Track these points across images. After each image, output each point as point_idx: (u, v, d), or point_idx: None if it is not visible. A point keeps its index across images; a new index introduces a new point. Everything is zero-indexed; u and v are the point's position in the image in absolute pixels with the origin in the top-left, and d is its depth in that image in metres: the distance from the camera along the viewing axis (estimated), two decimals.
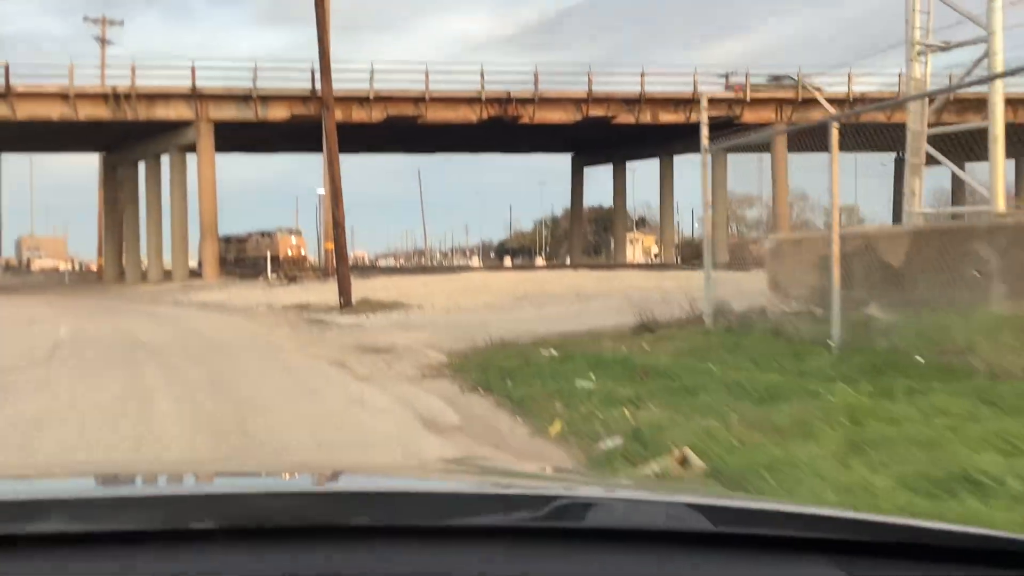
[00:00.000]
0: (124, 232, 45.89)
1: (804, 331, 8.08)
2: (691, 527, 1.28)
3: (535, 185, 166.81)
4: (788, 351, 7.83)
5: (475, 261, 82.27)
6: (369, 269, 48.80)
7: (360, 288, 22.63)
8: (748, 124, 40.91)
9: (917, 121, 17.74)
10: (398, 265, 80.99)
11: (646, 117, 40.13)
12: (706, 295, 10.91)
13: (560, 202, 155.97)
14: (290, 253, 52.97)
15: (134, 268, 44.64)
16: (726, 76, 42.24)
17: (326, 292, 24.71)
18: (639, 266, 36.84)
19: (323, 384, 9.34)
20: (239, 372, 10.39)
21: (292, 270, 39.45)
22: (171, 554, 1.18)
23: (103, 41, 48.61)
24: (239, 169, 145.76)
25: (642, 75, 39.43)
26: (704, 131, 11.91)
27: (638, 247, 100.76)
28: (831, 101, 40.45)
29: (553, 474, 2.63)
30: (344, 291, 19.48)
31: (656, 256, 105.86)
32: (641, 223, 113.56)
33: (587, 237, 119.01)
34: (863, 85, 40.21)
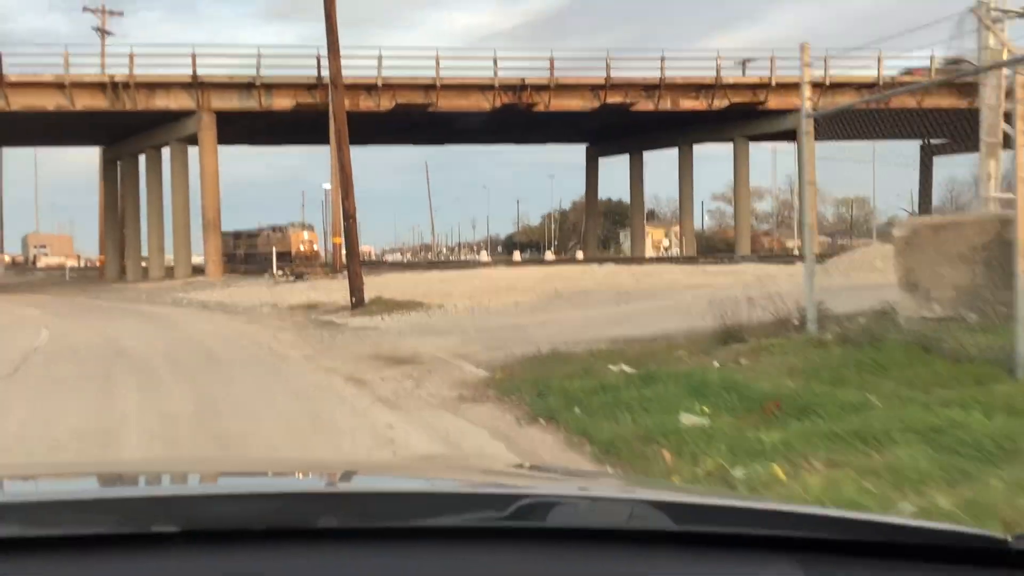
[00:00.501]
0: (125, 228, 43.96)
1: (968, 345, 6.08)
2: (652, 526, 1.27)
3: (542, 180, 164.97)
4: (955, 374, 5.84)
5: (484, 255, 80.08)
6: (378, 264, 46.77)
7: (372, 285, 20.68)
8: (773, 110, 38.88)
9: (992, 96, 15.54)
10: (406, 260, 79.01)
11: (666, 104, 38.08)
12: (807, 294, 8.91)
13: (568, 196, 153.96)
14: (302, 248, 50.87)
15: (135, 265, 42.72)
16: (743, 62, 40.11)
17: (335, 290, 22.75)
18: (665, 259, 34.81)
19: (339, 412, 7.36)
20: (234, 394, 8.43)
21: (303, 266, 37.43)
22: (130, 558, 1.17)
23: (103, 31, 46.61)
24: (243, 165, 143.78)
25: (662, 59, 37.39)
26: (806, 91, 9.85)
27: (648, 240, 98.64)
28: (860, 85, 38.41)
29: (528, 471, 2.41)
30: (356, 289, 17.53)
31: (667, 249, 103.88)
32: (650, 216, 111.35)
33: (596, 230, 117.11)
34: (891, 69, 38.09)
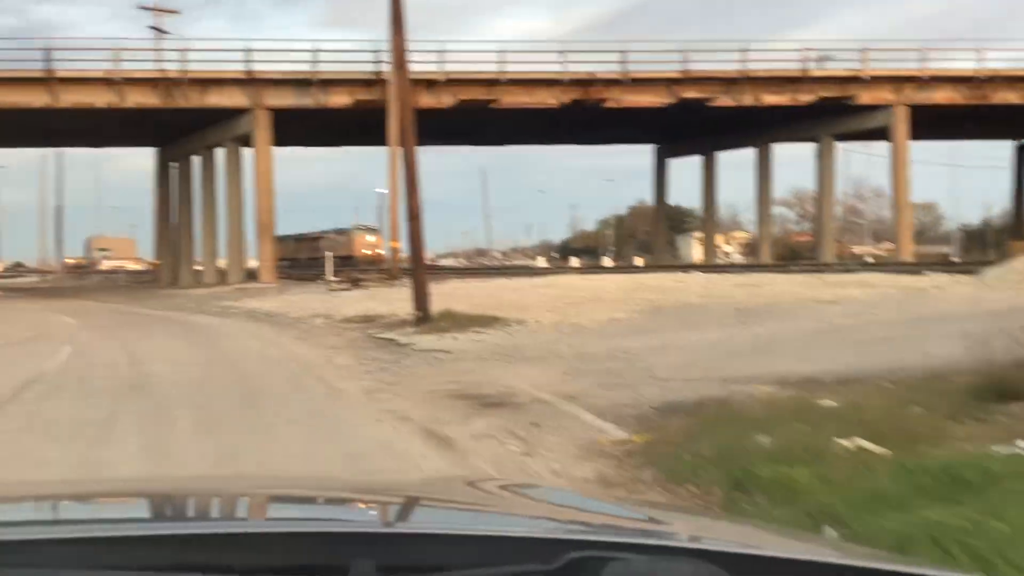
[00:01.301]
0: (179, 232, 42.11)
1: None
2: None
3: (597, 185, 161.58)
4: None
5: (540, 261, 77.33)
6: (436, 270, 44.17)
7: (436, 295, 18.18)
8: (864, 105, 35.65)
9: None
10: (461, 265, 76.40)
11: (747, 99, 35.04)
12: None
13: (624, 202, 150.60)
14: (367, 252, 48.46)
15: (188, 270, 40.81)
16: (820, 59, 36.76)
17: (395, 300, 20.22)
18: (754, 267, 31.66)
19: None
20: (270, 460, 5.86)
21: (367, 271, 35.06)
22: None
23: (158, 29, 44.90)
24: (297, 170, 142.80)
25: (744, 51, 34.40)
26: None
27: (699, 246, 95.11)
28: (958, 79, 35.04)
29: (582, 508, 1.98)
30: (421, 300, 14.96)
31: (727, 255, 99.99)
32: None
33: (650, 236, 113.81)
34: (997, 62, 34.61)
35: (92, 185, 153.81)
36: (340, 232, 53.93)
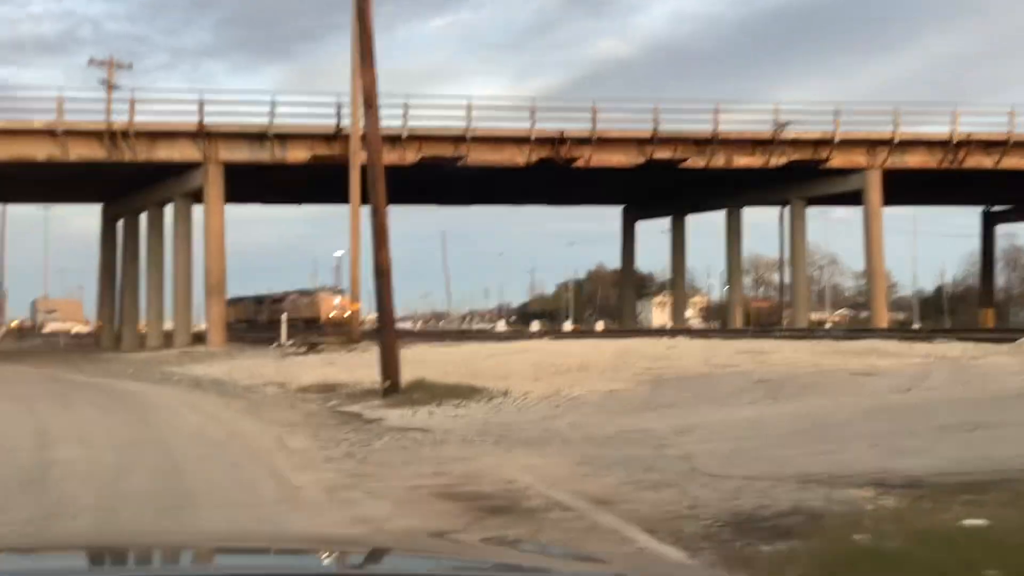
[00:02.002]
0: (124, 293, 39.59)
1: None
2: None
3: (556, 249, 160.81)
4: None
5: (501, 325, 75.34)
6: (399, 333, 41.95)
7: (404, 361, 16.26)
8: (836, 169, 34.72)
9: None
10: (422, 329, 74.03)
11: (719, 160, 33.89)
12: None
13: (584, 265, 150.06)
14: (333, 315, 45.85)
15: (132, 333, 38.22)
16: (779, 125, 35.48)
17: (357, 366, 18.18)
18: (739, 332, 30.03)
19: None
20: None
21: (325, 334, 32.83)
22: None
23: (109, 84, 42.86)
24: (251, 231, 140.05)
25: (716, 112, 33.33)
26: None
27: (666, 311, 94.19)
28: (932, 143, 34.33)
29: (517, 549, 2.27)
30: (389, 368, 12.97)
31: (686, 320, 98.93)
32: (665, 286, 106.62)
33: (609, 301, 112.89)
34: (970, 126, 33.95)
35: (40, 246, 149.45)
36: (304, 293, 51.39)
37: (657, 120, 32.95)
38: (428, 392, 12.56)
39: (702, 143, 33.52)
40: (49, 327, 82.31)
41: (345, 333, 35.74)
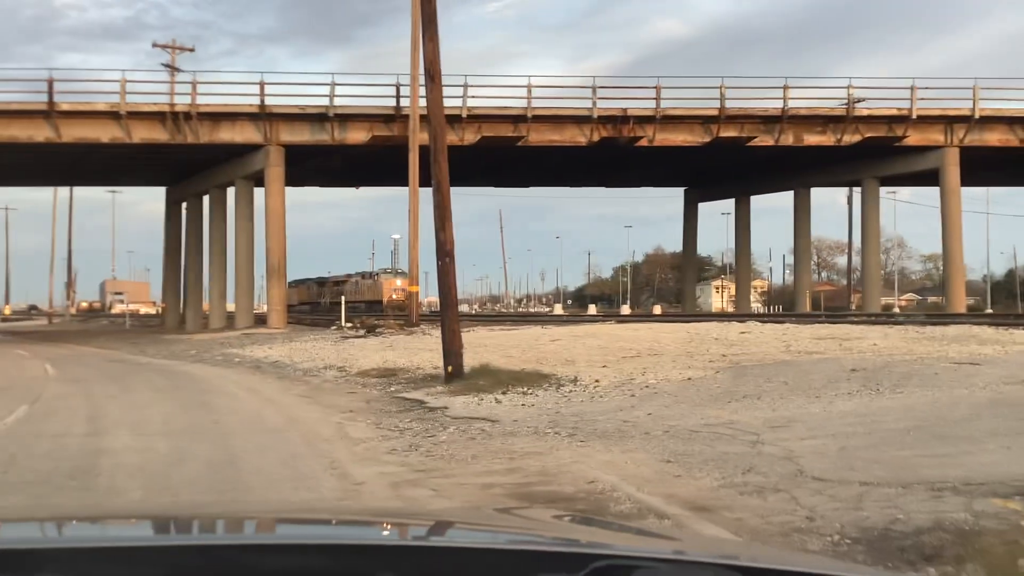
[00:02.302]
0: (187, 274, 39.76)
1: None
2: None
3: (613, 233, 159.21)
4: None
5: (558, 308, 74.48)
6: (466, 316, 40.95)
7: (465, 345, 15.68)
8: (912, 147, 33.20)
9: None
10: (481, 313, 73.52)
11: (787, 138, 32.61)
12: None
13: (641, 248, 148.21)
14: (395, 297, 45.16)
15: (195, 314, 38.36)
16: (851, 102, 33.90)
17: (418, 350, 17.66)
18: (811, 316, 28.75)
19: None
20: None
21: (384, 317, 32.44)
22: None
23: (172, 68, 43.01)
24: (311, 216, 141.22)
25: (785, 88, 32.00)
26: None
27: (724, 295, 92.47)
28: (1013, 120, 32.59)
29: (581, 524, 2.17)
30: (452, 353, 12.35)
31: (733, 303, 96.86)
32: (723, 271, 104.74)
33: (666, 284, 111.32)
34: None
35: (111, 229, 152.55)
36: (366, 276, 50.80)
37: (723, 97, 31.77)
38: (493, 378, 11.91)
39: (770, 121, 32.27)
40: (117, 308, 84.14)
41: (405, 316, 35.46)
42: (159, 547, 1.33)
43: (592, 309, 72.43)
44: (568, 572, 1.15)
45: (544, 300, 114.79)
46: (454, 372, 12.25)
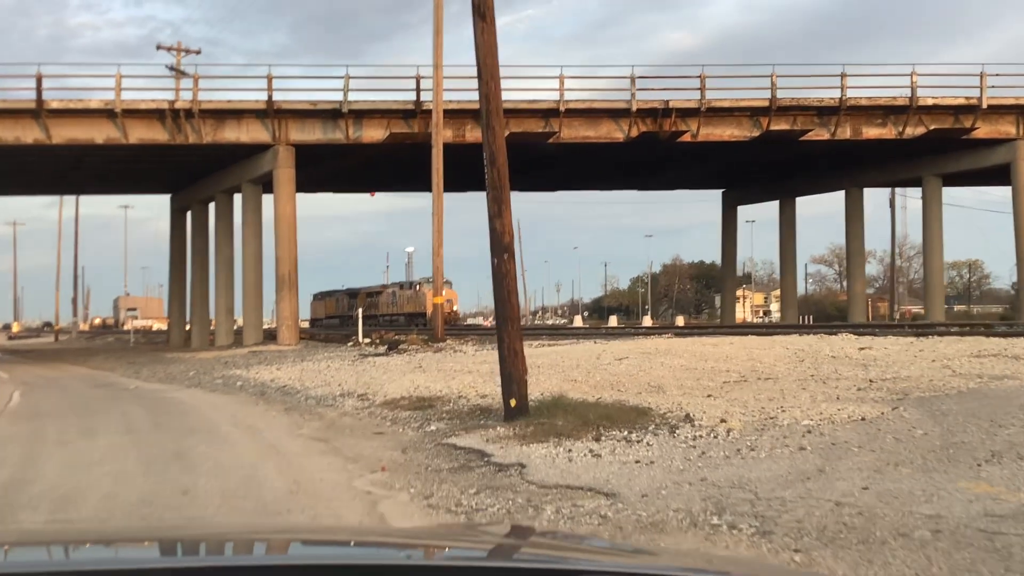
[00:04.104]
0: (193, 287, 36.63)
1: None
2: None
3: (629, 243, 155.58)
4: None
5: (578, 320, 71.00)
6: (479, 329, 37.50)
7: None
8: (980, 140, 29.84)
9: None
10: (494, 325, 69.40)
11: (845, 132, 29.30)
12: None
13: (657, 259, 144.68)
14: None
15: (201, 330, 35.23)
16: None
17: (453, 372, 14.39)
18: (880, 327, 25.12)
19: None
20: None
21: (405, 332, 29.21)
22: None
23: (177, 71, 39.99)
24: (322, 231, 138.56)
25: (842, 76, 28.71)
26: None
27: (747, 305, 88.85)
28: None
29: (557, 540, 2.29)
30: (515, 379, 9.06)
31: (766, 314, 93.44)
32: (746, 279, 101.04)
33: (687, 294, 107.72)
34: None
35: (123, 245, 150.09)
36: (405, 286, 46.68)
37: (774, 87, 28.51)
38: (573, 415, 8.62)
39: (826, 112, 28.98)
40: (130, 324, 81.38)
41: (421, 330, 32.18)
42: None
43: (613, 320, 68.87)
44: None
45: (560, 312, 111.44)
46: (518, 405, 8.95)
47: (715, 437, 7.37)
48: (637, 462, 6.67)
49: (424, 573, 1.28)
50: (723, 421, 7.92)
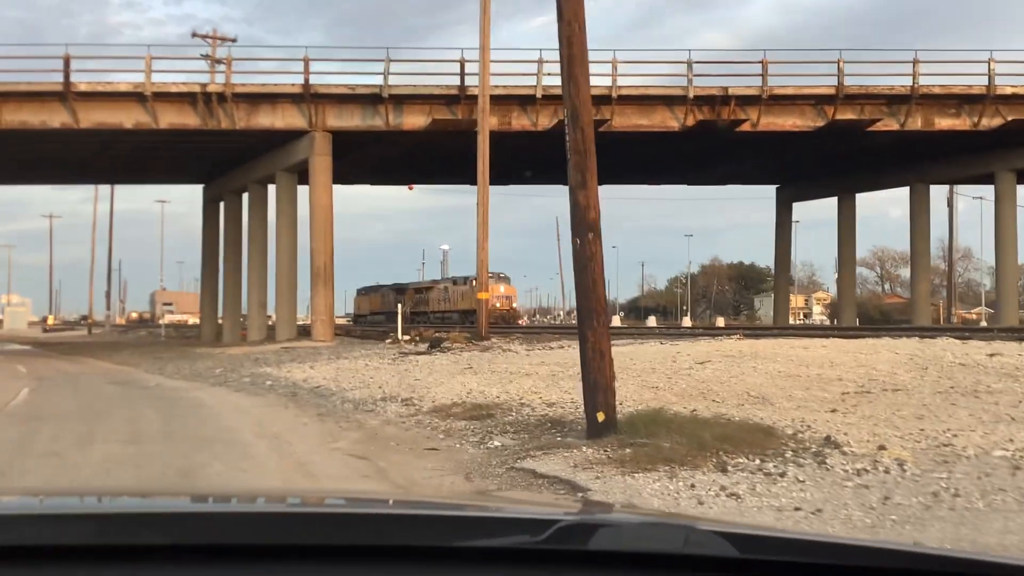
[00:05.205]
0: (225, 281, 35.18)
1: None
2: (714, 552, 1.11)
3: (668, 243, 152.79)
4: None
5: (616, 320, 68.95)
6: (539, 328, 34.87)
7: (564, 367, 10.71)
8: None
9: None
10: (530, 324, 67.81)
11: (916, 122, 27.12)
12: None
13: (698, 258, 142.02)
14: (498, 305, 38.37)
15: (233, 324, 33.77)
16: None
17: (508, 375, 12.59)
18: (956, 330, 22.87)
19: None
20: None
21: (450, 328, 27.50)
22: (114, 569, 1.11)
23: (212, 59, 38.58)
24: (354, 230, 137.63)
25: (915, 62, 26.53)
26: None
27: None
28: None
29: (562, 502, 2.40)
30: (601, 387, 7.24)
31: (806, 316, 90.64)
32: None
33: (725, 295, 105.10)
34: None
35: (160, 239, 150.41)
36: (460, 281, 44.07)
37: (841, 73, 26.42)
38: (675, 432, 6.78)
39: (896, 101, 26.83)
40: (166, 319, 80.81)
41: (463, 327, 30.49)
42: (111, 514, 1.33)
43: (652, 321, 66.61)
44: (531, 534, 1.12)
45: None
46: (607, 421, 7.13)
47: (886, 472, 5.49)
48: (797, 509, 4.82)
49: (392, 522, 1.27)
50: (882, 448, 6.05)
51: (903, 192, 32.98)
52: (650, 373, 11.17)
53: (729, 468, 5.80)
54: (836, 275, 40.22)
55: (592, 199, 7.59)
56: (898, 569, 1.14)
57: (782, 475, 5.56)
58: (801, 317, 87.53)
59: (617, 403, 8.01)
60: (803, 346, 12.95)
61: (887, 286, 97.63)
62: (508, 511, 1.48)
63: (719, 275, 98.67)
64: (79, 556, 1.11)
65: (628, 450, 6.49)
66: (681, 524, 1.25)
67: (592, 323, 7.48)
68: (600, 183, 30.48)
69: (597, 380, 7.33)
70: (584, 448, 6.82)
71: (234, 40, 39.20)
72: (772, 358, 11.64)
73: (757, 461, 5.93)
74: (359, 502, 1.80)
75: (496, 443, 7.80)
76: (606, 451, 6.60)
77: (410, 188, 40.97)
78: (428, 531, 1.20)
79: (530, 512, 1.44)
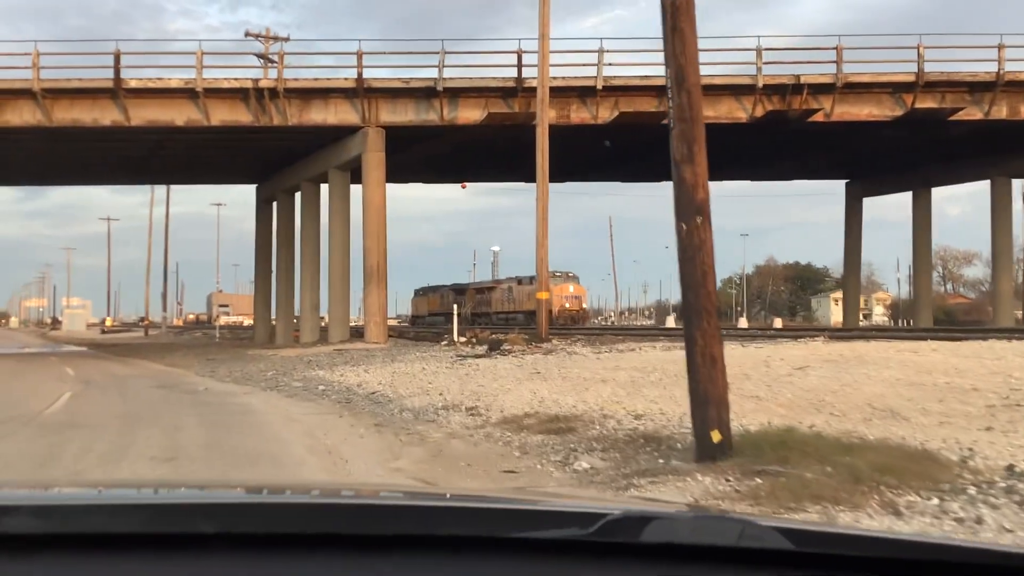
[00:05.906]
0: (278, 281, 34.49)
1: None
2: (769, 546, 1.09)
3: (719, 241, 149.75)
4: None
5: (670, 321, 67.20)
6: (599, 330, 33.10)
7: (645, 372, 9.38)
8: None
9: None
10: (609, 326, 66.05)
11: (1000, 111, 25.26)
12: None
13: (752, 258, 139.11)
14: (567, 306, 36.65)
15: (286, 326, 33.02)
16: None
17: (582, 381, 11.34)
18: None
19: None
20: None
21: (509, 329, 26.31)
22: (169, 559, 1.11)
23: (265, 58, 37.96)
24: (404, 232, 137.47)
25: (1000, 47, 24.69)
26: None
27: (838, 308, 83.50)
28: None
29: (608, 496, 2.48)
30: (713, 400, 6.00)
31: (866, 316, 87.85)
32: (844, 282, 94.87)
33: (781, 295, 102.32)
34: None
35: (216, 242, 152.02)
36: (524, 280, 41.37)
37: (921, 59, 24.68)
38: (813, 457, 5.48)
39: (980, 88, 25.00)
40: (221, 320, 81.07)
41: (523, 328, 29.28)
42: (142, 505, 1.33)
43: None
44: (581, 527, 1.11)
45: (647, 313, 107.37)
46: (723, 442, 5.86)
47: None
48: None
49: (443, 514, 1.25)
50: None
51: (962, 190, 31.24)
52: (744, 380, 9.84)
53: (902, 510, 4.49)
54: (897, 275, 38.25)
55: (701, 175, 6.33)
56: (956, 564, 1.09)
57: (978, 521, 4.25)
58: (861, 318, 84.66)
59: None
60: (911, 350, 11.50)
61: (949, 286, 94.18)
62: (559, 504, 1.47)
63: (774, 275, 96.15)
64: (133, 545, 1.11)
65: (758, 480, 5.21)
66: (736, 518, 1.23)
67: (701, 323, 6.20)
68: (658, 179, 28.70)
69: (708, 391, 6.05)
70: (699, 476, 5.55)
71: (287, 39, 38.42)
72: (883, 364, 10.22)
73: (935, 500, 4.61)
74: (415, 495, 1.85)
75: (584, 464, 6.56)
76: (728, 481, 5.32)
77: (463, 186, 39.91)
78: (482, 523, 1.18)
79: (582, 506, 1.40)
